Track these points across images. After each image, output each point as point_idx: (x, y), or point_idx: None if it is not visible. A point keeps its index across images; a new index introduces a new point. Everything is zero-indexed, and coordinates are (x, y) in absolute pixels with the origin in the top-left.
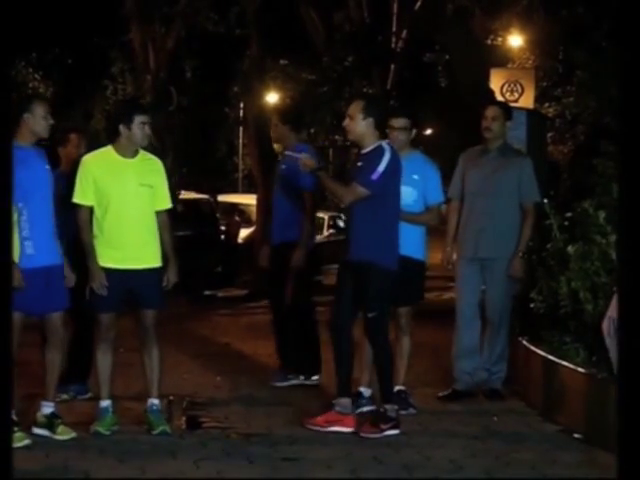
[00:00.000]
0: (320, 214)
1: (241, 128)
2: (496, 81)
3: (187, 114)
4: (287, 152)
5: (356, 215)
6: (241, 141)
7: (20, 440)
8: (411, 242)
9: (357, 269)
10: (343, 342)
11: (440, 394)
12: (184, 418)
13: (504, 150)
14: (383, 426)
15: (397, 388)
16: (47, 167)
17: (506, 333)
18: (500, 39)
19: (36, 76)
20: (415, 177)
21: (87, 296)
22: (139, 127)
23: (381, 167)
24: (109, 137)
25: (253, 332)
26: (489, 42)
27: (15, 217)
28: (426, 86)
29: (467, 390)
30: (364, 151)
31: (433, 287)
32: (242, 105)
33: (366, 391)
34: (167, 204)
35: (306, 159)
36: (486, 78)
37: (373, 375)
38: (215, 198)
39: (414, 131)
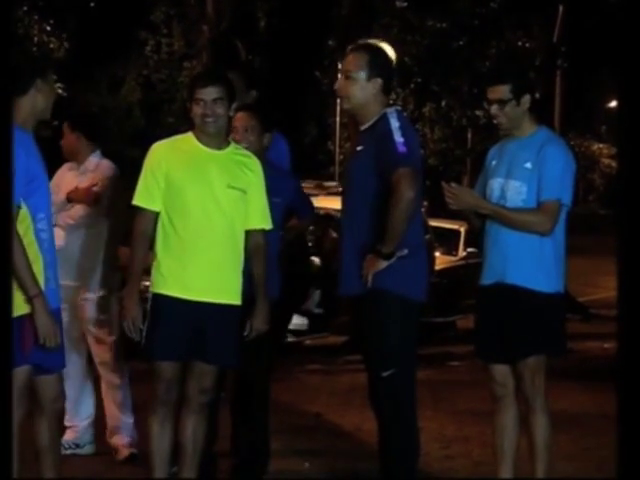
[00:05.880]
0: (453, 225)
1: (338, 101)
2: None
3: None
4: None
5: (349, 221)
6: (338, 119)
7: None
8: (520, 263)
9: (360, 303)
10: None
11: None
12: None
13: None
14: None
15: None
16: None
17: None
18: None
19: (45, 26)
20: (527, 166)
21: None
22: (198, 104)
23: (397, 136)
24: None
25: (355, 397)
26: None
27: (32, 234)
28: (612, 39)
29: None
30: (364, 127)
31: None
32: (340, 67)
33: None
34: (264, 222)
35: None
36: None
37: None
38: None
39: (526, 97)
